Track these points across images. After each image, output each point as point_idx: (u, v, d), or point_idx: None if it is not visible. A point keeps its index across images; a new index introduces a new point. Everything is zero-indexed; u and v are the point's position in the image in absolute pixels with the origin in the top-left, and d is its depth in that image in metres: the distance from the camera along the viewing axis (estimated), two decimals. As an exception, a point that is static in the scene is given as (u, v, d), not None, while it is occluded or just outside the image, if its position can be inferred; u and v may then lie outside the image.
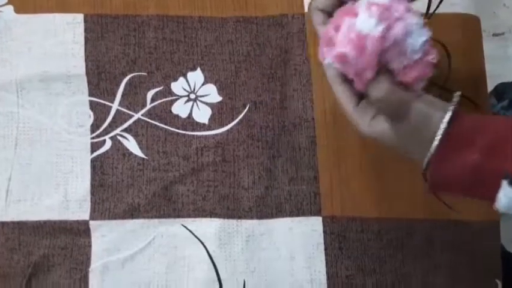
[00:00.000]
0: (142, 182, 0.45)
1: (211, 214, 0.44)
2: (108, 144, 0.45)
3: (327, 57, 0.34)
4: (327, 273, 0.44)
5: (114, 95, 0.46)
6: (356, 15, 0.33)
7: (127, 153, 0.45)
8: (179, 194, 0.45)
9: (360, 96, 0.35)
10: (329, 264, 0.44)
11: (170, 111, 0.46)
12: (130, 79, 0.46)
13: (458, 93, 0.34)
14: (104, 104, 0.46)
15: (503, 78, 0.79)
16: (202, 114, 0.46)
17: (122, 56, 0.46)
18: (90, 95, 0.46)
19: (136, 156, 0.45)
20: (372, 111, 0.35)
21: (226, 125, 0.46)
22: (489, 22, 0.93)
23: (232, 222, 0.44)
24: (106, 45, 0.46)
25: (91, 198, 0.44)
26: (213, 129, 0.46)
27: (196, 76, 0.47)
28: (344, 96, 0.35)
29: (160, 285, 0.43)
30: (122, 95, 0.46)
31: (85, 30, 0.46)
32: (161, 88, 0.46)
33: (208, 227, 0.44)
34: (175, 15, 0.47)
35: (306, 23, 0.47)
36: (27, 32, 0.46)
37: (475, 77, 0.48)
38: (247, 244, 0.44)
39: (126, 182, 0.45)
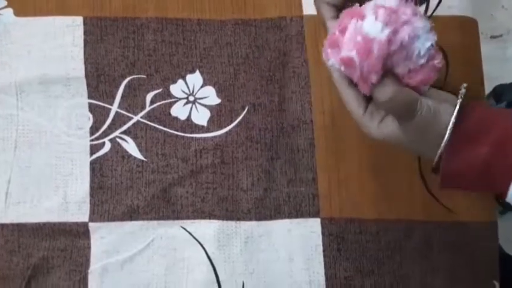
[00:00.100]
0: (141, 184, 0.45)
1: (210, 216, 0.45)
2: (107, 147, 0.45)
3: (331, 58, 0.34)
4: (326, 274, 0.44)
5: (113, 98, 0.46)
6: (362, 17, 0.32)
7: (126, 156, 0.45)
8: (178, 196, 0.45)
9: (367, 99, 0.35)
10: (327, 265, 0.44)
11: (169, 114, 0.46)
12: (129, 81, 0.46)
13: (465, 85, 0.33)
14: (104, 107, 0.46)
15: (501, 80, 0.79)
16: (201, 117, 0.46)
17: (121, 59, 0.46)
18: (89, 97, 0.46)
19: (135, 158, 0.45)
20: (379, 114, 0.34)
21: (225, 127, 0.46)
22: (487, 24, 0.93)
23: (231, 223, 0.44)
24: (105, 48, 0.46)
25: (90, 200, 0.44)
26: (212, 131, 0.46)
27: (195, 78, 0.47)
28: (351, 100, 0.35)
29: (159, 286, 0.43)
30: (122, 98, 0.46)
31: (85, 32, 0.46)
32: (160, 90, 0.46)
33: (207, 228, 0.44)
34: (174, 18, 0.47)
35: (305, 26, 0.48)
36: (26, 35, 0.46)
37: (473, 79, 0.48)
38: (246, 246, 0.44)
39: (125, 184, 0.45)
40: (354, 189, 0.45)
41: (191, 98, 0.47)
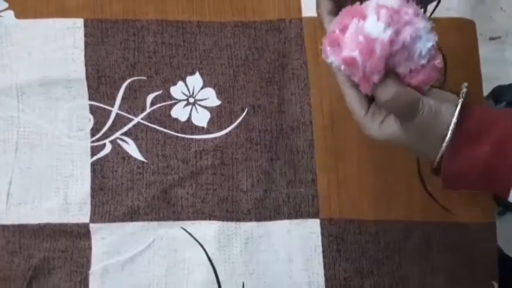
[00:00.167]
0: (141, 185, 0.45)
1: (210, 217, 0.45)
2: (108, 148, 0.45)
3: (331, 56, 0.34)
4: (325, 275, 0.44)
5: (114, 99, 0.46)
6: (364, 17, 0.32)
7: (126, 157, 0.45)
8: (178, 197, 0.45)
9: (369, 100, 0.35)
10: (326, 266, 0.44)
11: (170, 115, 0.46)
12: (129, 83, 0.47)
13: (466, 84, 0.33)
14: (104, 108, 0.46)
15: (500, 81, 0.80)
16: (201, 118, 0.46)
17: (121, 61, 0.47)
18: (90, 99, 0.46)
19: (135, 159, 0.45)
20: (381, 115, 0.34)
21: (225, 128, 0.46)
22: (486, 26, 0.94)
23: (231, 224, 0.45)
24: (105, 50, 0.46)
25: (91, 201, 0.44)
26: (212, 132, 0.46)
27: (195, 80, 0.47)
28: (354, 101, 0.35)
29: (159, 287, 0.43)
30: (122, 99, 0.46)
31: (85, 35, 0.46)
32: (160, 92, 0.47)
33: (207, 229, 0.44)
34: (174, 20, 0.48)
35: (304, 28, 0.48)
36: (27, 37, 0.46)
37: (471, 80, 0.48)
38: (246, 246, 0.44)
39: (126, 185, 0.45)
40: (354, 190, 0.46)
41: (191, 100, 0.47)
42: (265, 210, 0.45)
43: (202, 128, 0.46)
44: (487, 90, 0.65)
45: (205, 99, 0.47)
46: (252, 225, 0.45)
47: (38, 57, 0.46)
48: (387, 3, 0.32)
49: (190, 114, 0.46)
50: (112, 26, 0.47)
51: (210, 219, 0.45)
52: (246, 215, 0.45)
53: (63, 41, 0.46)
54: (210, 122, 0.46)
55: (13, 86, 0.46)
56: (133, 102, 0.46)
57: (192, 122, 0.46)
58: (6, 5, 0.47)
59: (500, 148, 0.31)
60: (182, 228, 0.44)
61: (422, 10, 0.48)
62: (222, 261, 0.44)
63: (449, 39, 0.48)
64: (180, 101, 0.47)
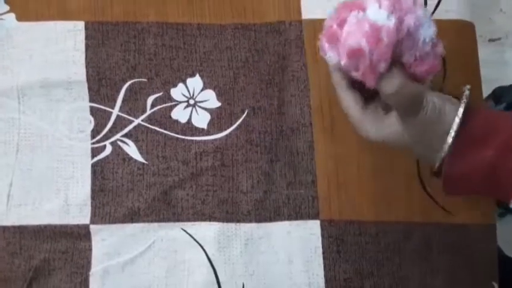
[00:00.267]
0: (142, 187, 0.45)
1: (210, 218, 0.45)
2: (108, 150, 0.46)
3: (329, 52, 0.33)
4: (325, 276, 0.44)
5: (114, 101, 0.46)
6: (363, 9, 0.32)
7: (127, 158, 0.45)
8: (178, 198, 0.45)
9: (365, 101, 0.35)
10: (327, 267, 0.44)
11: (170, 117, 0.46)
12: (130, 85, 0.47)
13: (468, 86, 0.33)
14: (105, 110, 0.46)
15: (500, 82, 0.80)
16: (201, 120, 0.47)
17: (122, 63, 0.47)
18: (91, 101, 0.46)
19: (136, 161, 0.46)
20: (379, 114, 0.34)
21: (225, 130, 0.47)
22: (485, 27, 0.94)
23: (231, 225, 0.45)
24: (106, 52, 0.47)
25: (92, 203, 0.44)
26: (212, 134, 0.46)
27: (195, 82, 0.47)
28: (350, 101, 0.34)
29: (159, 289, 0.44)
30: (123, 101, 0.46)
31: (86, 37, 0.47)
32: (161, 94, 0.47)
33: (207, 230, 0.44)
34: (175, 23, 0.48)
35: (304, 30, 0.48)
36: (28, 40, 0.46)
37: (470, 82, 0.48)
38: (246, 247, 0.44)
39: (126, 187, 0.45)
40: (354, 191, 0.46)
41: (191, 102, 0.47)
42: (265, 212, 0.45)
43: (202, 129, 0.46)
44: (486, 92, 0.65)
45: (205, 100, 0.47)
46: (252, 226, 0.45)
47: (39, 60, 0.46)
48: None
49: (190, 116, 0.47)
50: (113, 29, 0.47)
51: (210, 221, 0.45)
52: (246, 216, 0.45)
53: (64, 43, 0.47)
54: (210, 123, 0.46)
55: (14, 88, 0.46)
56: (133, 104, 0.46)
57: (192, 124, 0.46)
58: (7, 7, 0.47)
59: (504, 152, 0.31)
60: (182, 229, 0.45)
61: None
62: (222, 262, 0.44)
63: (448, 41, 0.48)
64: (180, 102, 0.47)
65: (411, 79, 0.32)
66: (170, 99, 0.47)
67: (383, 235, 0.45)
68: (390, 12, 0.31)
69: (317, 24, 0.47)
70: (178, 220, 0.45)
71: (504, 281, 0.45)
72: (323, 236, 0.45)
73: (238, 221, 0.45)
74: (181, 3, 0.48)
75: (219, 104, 0.47)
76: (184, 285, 0.44)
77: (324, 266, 0.44)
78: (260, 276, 0.44)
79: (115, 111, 0.46)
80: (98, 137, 0.46)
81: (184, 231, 0.45)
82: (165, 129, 0.46)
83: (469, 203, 0.46)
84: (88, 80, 0.46)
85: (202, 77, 0.47)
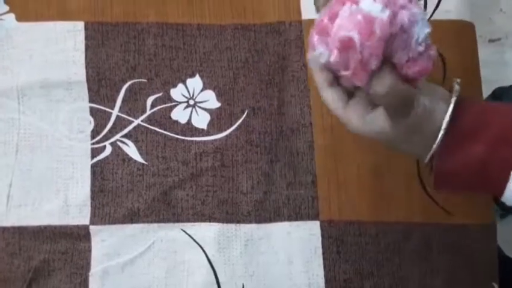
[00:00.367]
0: (141, 187, 0.45)
1: (210, 218, 0.45)
2: (108, 150, 0.46)
3: (319, 47, 0.32)
4: (325, 277, 0.44)
5: (114, 102, 0.46)
6: (356, 2, 0.31)
7: (126, 159, 0.45)
8: (178, 199, 0.45)
9: (348, 95, 0.34)
10: (327, 268, 0.44)
11: (170, 117, 0.46)
12: (130, 85, 0.47)
13: (458, 80, 0.32)
14: (105, 110, 0.46)
15: (500, 83, 0.80)
16: (201, 120, 0.47)
17: (122, 63, 0.47)
18: (90, 101, 0.46)
19: (135, 161, 0.45)
20: (363, 110, 0.33)
21: (225, 130, 0.46)
22: (485, 28, 0.94)
23: (231, 226, 0.45)
24: (106, 53, 0.47)
25: (91, 203, 0.44)
26: (212, 134, 0.46)
27: (195, 82, 0.47)
28: (332, 98, 0.33)
29: (159, 289, 0.43)
30: (122, 101, 0.46)
31: (86, 37, 0.47)
32: (160, 94, 0.47)
33: (207, 231, 0.44)
34: (175, 23, 0.48)
35: (304, 30, 0.48)
36: (28, 40, 0.46)
37: (470, 83, 0.49)
38: (246, 248, 0.44)
39: (126, 187, 0.45)
40: (354, 191, 0.46)
41: (191, 102, 0.47)
42: (265, 212, 0.45)
43: (202, 130, 0.46)
44: (486, 92, 0.65)
45: (205, 101, 0.47)
46: (252, 227, 0.45)
47: (39, 60, 0.46)
48: None
49: (190, 116, 0.47)
50: (113, 29, 0.47)
51: (209, 221, 0.45)
52: (246, 216, 0.45)
53: (64, 43, 0.47)
54: (210, 124, 0.46)
55: (14, 88, 0.46)
56: (133, 105, 0.46)
57: (192, 124, 0.46)
58: (7, 8, 0.47)
59: (495, 146, 0.31)
60: (182, 230, 0.45)
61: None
62: (221, 263, 0.44)
63: (448, 41, 0.48)
64: (180, 103, 0.47)
65: (402, 80, 0.31)
66: (170, 99, 0.47)
67: (382, 235, 0.45)
68: (385, 6, 0.30)
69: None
70: (177, 221, 0.45)
71: (505, 282, 0.45)
72: (322, 236, 0.45)
73: (238, 222, 0.45)
74: (181, 3, 0.48)
75: (218, 105, 0.47)
76: (184, 286, 0.44)
77: (324, 267, 0.44)
78: (260, 276, 0.44)
79: (115, 112, 0.46)
80: (98, 138, 0.46)
81: (184, 231, 0.44)
82: (165, 129, 0.46)
83: (468, 203, 0.46)
84: (88, 80, 0.46)
85: (202, 77, 0.47)
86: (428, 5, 0.49)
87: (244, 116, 0.47)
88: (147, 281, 0.44)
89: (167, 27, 0.48)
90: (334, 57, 0.31)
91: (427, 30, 0.31)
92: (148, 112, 0.46)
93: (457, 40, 0.49)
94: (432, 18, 0.49)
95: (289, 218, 0.45)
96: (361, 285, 0.44)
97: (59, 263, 0.43)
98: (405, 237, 0.45)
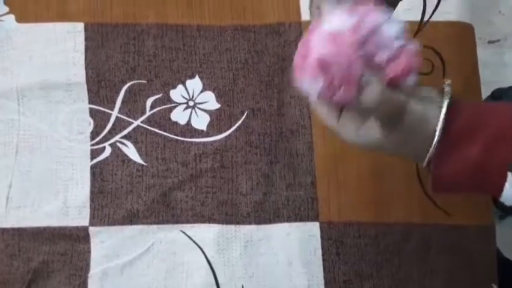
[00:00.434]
0: (141, 189, 0.45)
1: (210, 220, 0.45)
2: (108, 151, 0.45)
3: (304, 83, 0.33)
4: (325, 278, 0.44)
5: (114, 103, 0.46)
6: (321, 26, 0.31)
7: (126, 160, 0.45)
8: (178, 200, 0.45)
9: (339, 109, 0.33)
10: (326, 269, 0.44)
11: (169, 118, 0.46)
12: (129, 87, 0.47)
13: (448, 82, 0.32)
14: (104, 112, 0.46)
15: (499, 84, 0.80)
16: (201, 121, 0.47)
17: (122, 64, 0.47)
18: (90, 102, 0.46)
19: (135, 162, 0.45)
20: (357, 120, 0.33)
21: (225, 131, 0.47)
22: (484, 29, 0.94)
23: (231, 227, 0.45)
24: (106, 54, 0.47)
25: (91, 205, 0.44)
26: (211, 135, 0.46)
27: (194, 84, 0.47)
28: (325, 113, 0.33)
29: (159, 290, 0.43)
30: (122, 103, 0.46)
31: (85, 39, 0.47)
32: (160, 95, 0.47)
33: (206, 232, 0.44)
34: (174, 24, 0.48)
35: (303, 31, 0.48)
36: (28, 41, 0.47)
37: (470, 84, 0.49)
38: (245, 249, 0.44)
39: (125, 189, 0.45)
40: (353, 193, 0.46)
41: (191, 103, 0.47)
42: (265, 213, 0.45)
43: (202, 131, 0.46)
44: (485, 93, 0.65)
45: (204, 102, 0.47)
46: (251, 228, 0.45)
47: (38, 61, 0.46)
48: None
49: (189, 118, 0.47)
50: (112, 30, 0.47)
51: (209, 222, 0.45)
52: (246, 218, 0.45)
53: (63, 44, 0.47)
54: (209, 125, 0.46)
55: (14, 89, 0.46)
56: (132, 106, 0.46)
57: (191, 125, 0.46)
58: (7, 9, 0.47)
59: (491, 145, 0.30)
60: (181, 231, 0.44)
61: (420, 15, 0.47)
62: (221, 265, 0.44)
63: (448, 42, 0.48)
64: (180, 104, 0.47)
65: (392, 87, 0.31)
66: (170, 100, 0.47)
67: (382, 237, 0.45)
68: (349, 15, 0.31)
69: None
70: (177, 222, 0.45)
71: (504, 284, 0.45)
72: (322, 237, 0.45)
73: (238, 223, 0.45)
74: (180, 4, 0.48)
75: (218, 106, 0.47)
76: (183, 287, 0.44)
77: (324, 268, 0.44)
78: (260, 278, 0.44)
79: (114, 113, 0.46)
80: (97, 139, 0.46)
81: (183, 233, 0.44)
82: (164, 130, 0.46)
83: (468, 204, 0.46)
84: (88, 81, 0.46)
85: (201, 78, 0.47)
86: (427, 7, 0.49)
87: (244, 117, 0.47)
88: (146, 282, 0.43)
89: (167, 28, 0.48)
90: (321, 86, 0.32)
91: (399, 25, 0.31)
92: (148, 113, 0.46)
93: (457, 41, 0.49)
94: (431, 20, 0.49)
95: (289, 219, 0.45)
96: (361, 287, 0.44)
97: (58, 265, 0.43)
98: (405, 238, 0.45)
